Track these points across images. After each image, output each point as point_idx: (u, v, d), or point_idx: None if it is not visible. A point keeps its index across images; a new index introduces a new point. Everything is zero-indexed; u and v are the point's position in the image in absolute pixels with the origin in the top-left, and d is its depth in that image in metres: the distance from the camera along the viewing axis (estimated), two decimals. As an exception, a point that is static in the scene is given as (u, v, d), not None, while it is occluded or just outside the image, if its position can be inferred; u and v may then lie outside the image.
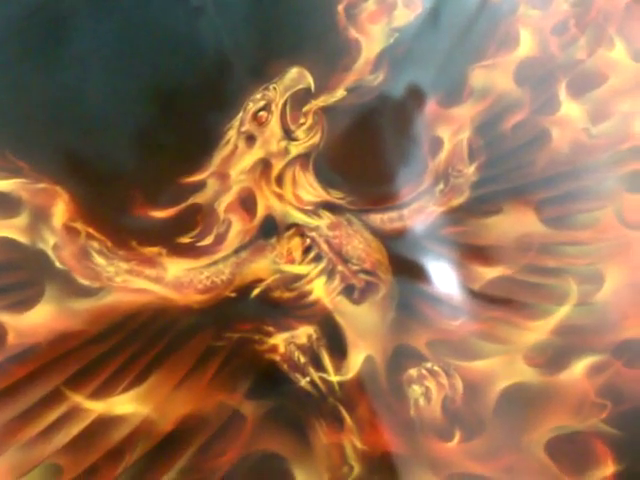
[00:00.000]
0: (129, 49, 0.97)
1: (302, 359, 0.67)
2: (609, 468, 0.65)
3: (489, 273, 0.75)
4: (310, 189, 0.80)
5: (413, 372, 0.68)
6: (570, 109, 0.90)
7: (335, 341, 0.68)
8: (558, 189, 0.82)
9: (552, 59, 0.96)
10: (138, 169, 0.84)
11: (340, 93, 0.89)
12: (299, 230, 0.76)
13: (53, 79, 0.93)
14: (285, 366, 0.67)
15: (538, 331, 0.71)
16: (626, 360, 0.70)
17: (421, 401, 0.66)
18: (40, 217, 0.79)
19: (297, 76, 0.91)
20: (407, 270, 0.75)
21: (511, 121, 0.88)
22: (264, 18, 0.98)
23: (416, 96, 0.90)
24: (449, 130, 0.87)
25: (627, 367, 0.69)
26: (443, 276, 0.75)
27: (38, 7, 1.03)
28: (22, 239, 0.78)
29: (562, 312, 0.72)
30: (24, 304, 0.73)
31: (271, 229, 0.77)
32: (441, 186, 0.82)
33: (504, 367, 0.68)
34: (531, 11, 1.02)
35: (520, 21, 1.01)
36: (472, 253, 0.77)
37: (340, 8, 0.99)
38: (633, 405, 0.67)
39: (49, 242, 0.77)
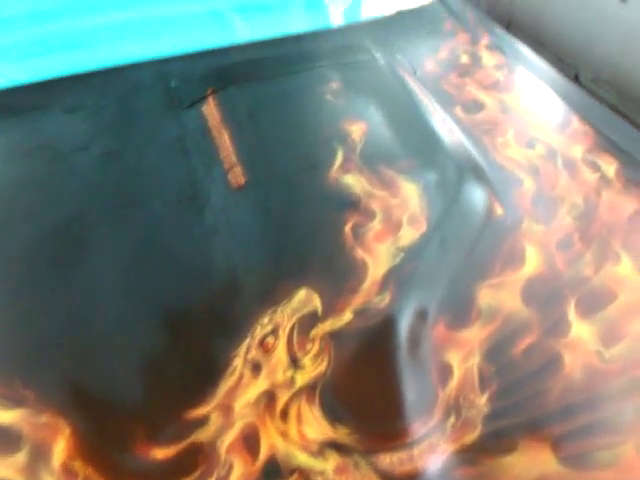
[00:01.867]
0: (140, 271, 0.98)
1: None
2: None
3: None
4: (316, 425, 0.77)
5: None
6: (581, 330, 0.89)
7: None
8: (574, 422, 0.79)
9: (559, 276, 0.96)
10: (142, 401, 0.82)
11: (347, 316, 0.89)
12: (303, 475, 0.72)
13: (63, 304, 0.94)
14: None
15: None
16: None
17: None
18: (39, 455, 0.77)
19: (305, 298, 0.91)
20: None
21: (521, 345, 0.87)
22: (275, 239, 1.00)
23: (423, 318, 0.89)
24: (458, 355, 0.85)
25: None
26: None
27: (60, 227, 1.06)
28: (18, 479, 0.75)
29: None
30: None
31: (274, 474, 0.73)
32: (452, 420, 0.79)
33: None
34: (535, 226, 1.04)
35: (525, 236, 1.02)
36: None
37: (347, 228, 1.01)
38: None
39: None
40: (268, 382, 0.82)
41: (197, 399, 0.81)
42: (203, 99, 1.30)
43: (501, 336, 0.88)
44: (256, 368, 0.83)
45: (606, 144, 1.22)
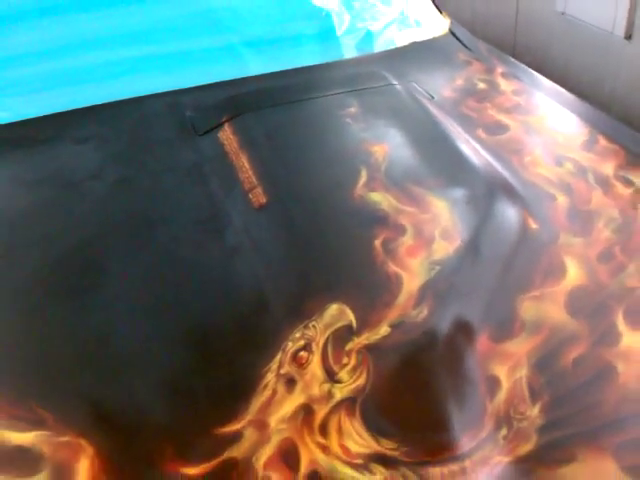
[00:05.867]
0: (160, 290, 0.94)
1: None
2: None
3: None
4: (358, 439, 0.72)
5: None
6: (632, 340, 0.84)
7: None
8: (635, 431, 0.73)
9: (603, 287, 0.91)
10: (168, 418, 0.76)
11: (384, 330, 0.84)
12: (351, 493, 0.67)
13: (81, 324, 0.89)
14: None
15: None
16: None
17: None
18: (61, 476, 0.71)
19: (337, 313, 0.86)
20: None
21: (571, 355, 0.82)
22: (301, 255, 0.96)
23: (465, 331, 0.84)
24: (505, 368, 0.80)
25: None
26: None
27: (74, 251, 1.02)
28: None
29: None
30: None
31: None
32: (504, 431, 0.73)
33: None
34: (573, 239, 1.00)
35: (563, 250, 0.98)
36: None
37: (377, 243, 0.97)
38: None
39: None
40: (304, 396, 0.76)
41: (228, 416, 0.75)
42: (219, 126, 1.28)
43: (548, 347, 0.83)
44: (290, 383, 0.78)
45: (636, 160, 1.19)
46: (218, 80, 1.47)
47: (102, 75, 1.51)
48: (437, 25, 1.76)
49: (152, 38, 1.57)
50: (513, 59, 1.67)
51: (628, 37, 2.41)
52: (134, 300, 0.93)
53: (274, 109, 1.31)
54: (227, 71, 1.51)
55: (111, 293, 0.94)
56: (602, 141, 1.25)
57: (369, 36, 1.65)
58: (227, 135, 1.24)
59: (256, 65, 1.55)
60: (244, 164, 1.15)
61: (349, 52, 1.61)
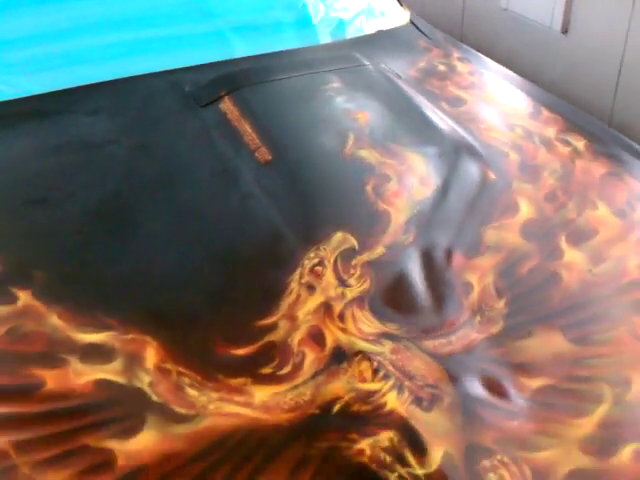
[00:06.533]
0: (189, 228, 1.13)
1: (388, 458, 0.76)
2: None
3: (534, 383, 0.87)
4: (369, 323, 0.93)
5: (487, 463, 0.77)
6: (573, 256, 1.08)
7: (415, 442, 0.78)
8: (578, 315, 0.97)
9: (549, 219, 1.15)
10: (215, 316, 0.96)
11: (380, 250, 1.06)
12: (366, 355, 0.88)
13: (126, 252, 1.08)
14: (374, 466, 0.76)
15: (585, 426, 0.82)
16: None
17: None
18: (133, 361, 0.90)
19: (342, 239, 1.07)
20: (464, 383, 0.86)
21: (526, 267, 1.05)
22: (307, 198, 1.17)
23: (443, 251, 1.07)
24: (476, 276, 1.03)
25: None
26: (497, 387, 0.86)
27: (109, 197, 1.20)
28: (119, 380, 0.88)
29: (602, 410, 0.84)
30: (129, 432, 0.81)
31: (341, 356, 0.88)
32: (478, 318, 0.96)
33: (563, 456, 0.78)
34: (524, 185, 1.23)
35: (516, 193, 1.21)
36: (516, 369, 0.89)
37: (368, 188, 1.19)
38: None
39: (144, 380, 0.87)
40: (323, 297, 0.97)
41: (264, 312, 0.96)
42: (219, 99, 1.47)
43: (509, 262, 1.06)
44: (310, 288, 0.99)
45: (573, 127, 1.43)
46: (210, 61, 1.66)
47: (100, 56, 1.67)
48: (399, 16, 1.98)
49: (147, 23, 1.75)
50: (466, 46, 1.91)
51: (564, 31, 2.68)
52: (168, 235, 1.11)
53: (267, 84, 1.51)
54: (217, 53, 1.70)
55: (147, 230, 1.12)
56: (545, 112, 1.50)
57: (341, 24, 1.86)
58: (228, 106, 1.43)
59: (242, 48, 1.74)
60: (247, 129, 1.35)
61: (324, 38, 1.81)
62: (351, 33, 1.85)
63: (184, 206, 1.18)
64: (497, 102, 1.55)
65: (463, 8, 3.22)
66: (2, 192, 1.22)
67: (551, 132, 1.41)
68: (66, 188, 1.23)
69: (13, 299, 0.99)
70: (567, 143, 1.38)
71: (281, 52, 1.70)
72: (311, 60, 1.65)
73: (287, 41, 1.78)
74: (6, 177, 1.25)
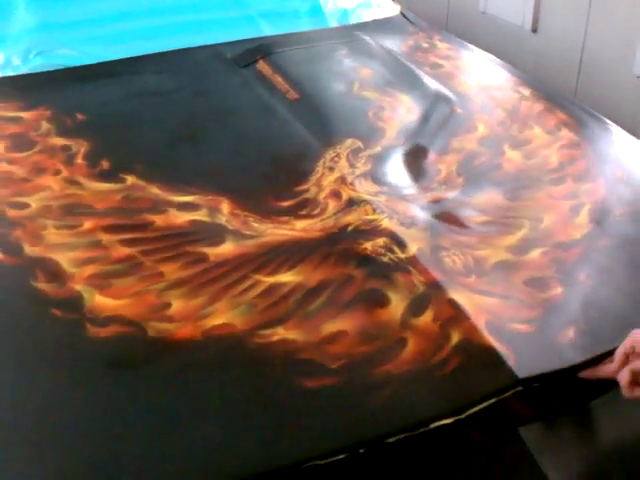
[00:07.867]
0: (243, 143, 1.59)
1: (382, 250, 1.21)
2: None
3: (479, 219, 1.33)
4: (370, 186, 1.38)
5: (444, 253, 1.21)
6: (512, 155, 1.54)
7: (399, 242, 1.22)
8: (512, 185, 1.43)
9: (499, 135, 1.62)
10: (268, 186, 1.41)
11: (379, 149, 1.52)
12: (368, 202, 1.33)
13: (202, 153, 1.54)
14: (374, 254, 1.20)
15: (510, 240, 1.27)
16: None
17: (450, 262, 1.20)
18: (214, 210, 1.35)
19: (351, 142, 1.54)
20: (433, 217, 1.32)
21: (478, 161, 1.51)
22: (328, 121, 1.63)
23: (423, 150, 1.53)
24: (444, 165, 1.49)
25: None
26: (454, 219, 1.31)
27: (179, 124, 1.66)
28: (205, 219, 1.32)
29: (522, 232, 1.29)
30: (215, 244, 1.25)
31: (352, 203, 1.33)
32: (444, 187, 1.41)
33: (494, 253, 1.22)
34: (481, 116, 1.70)
35: (476, 120, 1.68)
36: (468, 211, 1.34)
37: (370, 113, 1.65)
38: None
39: (222, 219, 1.32)
40: (339, 173, 1.43)
41: (299, 181, 1.41)
42: (254, 62, 1.94)
43: (467, 158, 1.52)
44: (330, 169, 1.44)
45: (524, 82, 1.91)
46: (243, 38, 2.13)
47: (158, 34, 2.14)
48: (392, 8, 2.46)
49: (193, 9, 2.23)
50: (446, 32, 2.39)
51: (534, 30, 3.13)
52: (228, 147, 1.57)
53: (291, 51, 1.98)
54: (248, 32, 2.17)
55: (213, 143, 1.58)
56: (505, 73, 1.97)
57: (345, 13, 2.34)
58: (262, 66, 1.89)
59: (268, 30, 2.21)
60: (279, 79, 1.81)
61: (332, 23, 2.29)
62: (353, 20, 2.33)
63: (238, 130, 1.64)
64: (468, 67, 2.02)
65: (447, 13, 3.71)
66: (107, 119, 1.68)
67: (507, 86, 1.89)
68: (150, 117, 1.68)
69: (123, 180, 1.44)
70: (518, 92, 1.85)
71: (299, 32, 2.17)
72: (323, 37, 2.13)
73: (303, 25, 2.26)
74: (106, 111, 1.71)
